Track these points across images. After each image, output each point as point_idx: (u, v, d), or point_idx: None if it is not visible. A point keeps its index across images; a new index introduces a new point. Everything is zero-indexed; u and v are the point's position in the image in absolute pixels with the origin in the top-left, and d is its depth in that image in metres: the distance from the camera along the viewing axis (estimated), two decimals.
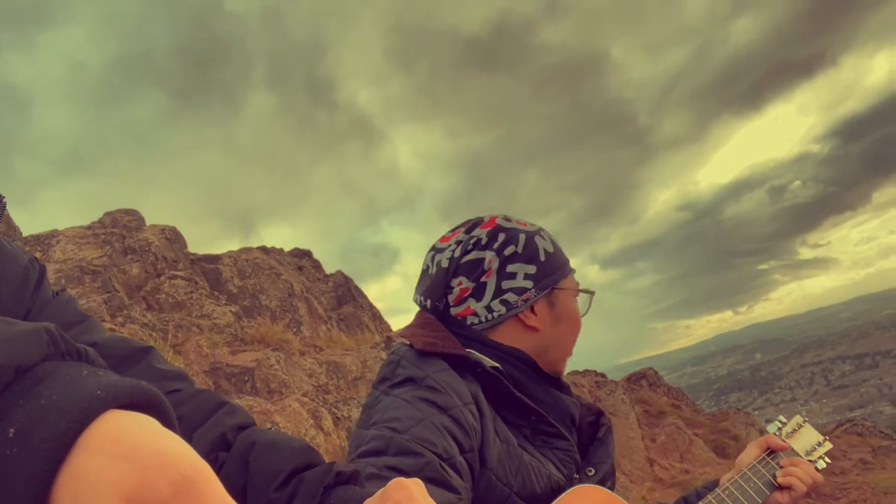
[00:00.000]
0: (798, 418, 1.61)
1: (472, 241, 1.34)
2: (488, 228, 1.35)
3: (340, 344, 7.21)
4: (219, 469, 0.85)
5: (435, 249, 1.38)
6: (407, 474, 1.06)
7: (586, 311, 1.43)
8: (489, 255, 1.32)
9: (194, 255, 7.85)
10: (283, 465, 0.84)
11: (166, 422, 0.59)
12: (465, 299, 1.33)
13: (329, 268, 10.20)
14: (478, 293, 1.32)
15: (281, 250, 9.37)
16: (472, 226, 1.37)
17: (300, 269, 9.34)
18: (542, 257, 1.35)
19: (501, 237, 1.34)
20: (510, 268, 1.32)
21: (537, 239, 1.36)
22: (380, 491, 0.71)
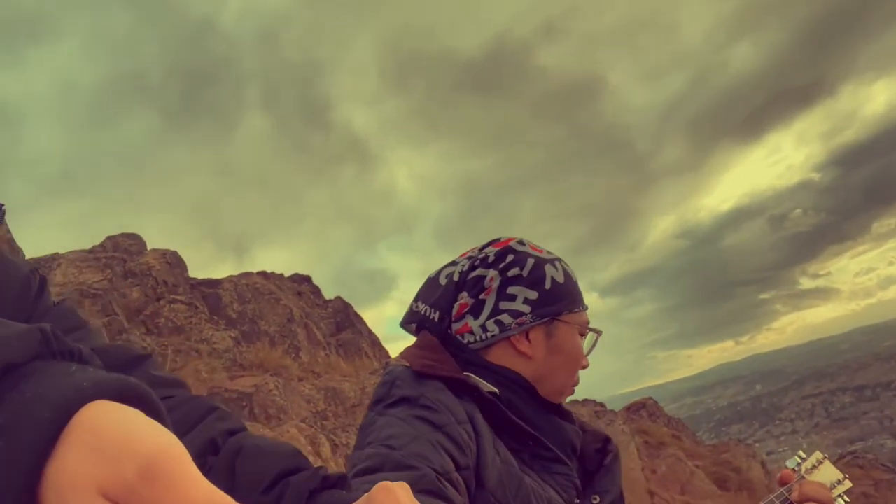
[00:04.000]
0: (818, 454, 1.57)
1: (480, 258, 1.34)
2: (499, 248, 1.35)
3: (339, 370, 7.18)
4: (207, 472, 0.86)
5: (452, 263, 1.39)
6: None
7: (590, 351, 1.40)
8: (492, 274, 1.32)
9: (194, 279, 7.85)
10: (270, 469, 0.84)
11: (156, 416, 0.59)
12: (464, 315, 1.33)
13: (326, 293, 10.20)
14: (475, 310, 1.32)
15: (281, 276, 9.37)
16: (487, 244, 1.38)
17: (299, 294, 9.33)
18: (548, 285, 1.33)
19: (509, 258, 1.33)
20: (511, 289, 1.31)
21: (547, 267, 1.35)
22: (365, 495, 0.71)
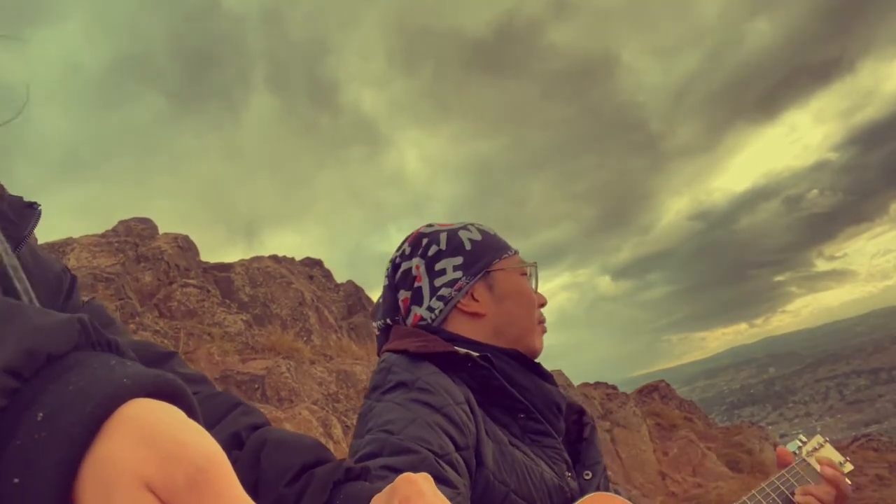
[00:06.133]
0: (819, 438, 1.59)
1: (399, 255, 1.43)
2: (412, 239, 1.43)
3: (350, 353, 7.22)
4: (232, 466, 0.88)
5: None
6: (403, 472, 1.06)
7: (536, 283, 1.45)
8: (415, 262, 1.39)
9: (206, 263, 7.90)
10: (294, 462, 0.85)
11: (190, 412, 0.60)
12: (410, 308, 1.39)
13: (337, 276, 10.24)
14: (417, 299, 1.39)
15: (292, 259, 9.41)
16: (401, 243, 1.45)
17: (311, 278, 9.37)
18: (468, 246, 1.39)
19: (424, 241, 1.41)
20: (438, 266, 1.38)
21: (461, 232, 1.42)
22: (388, 486, 0.71)
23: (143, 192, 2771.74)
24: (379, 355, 1.45)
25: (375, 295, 1.53)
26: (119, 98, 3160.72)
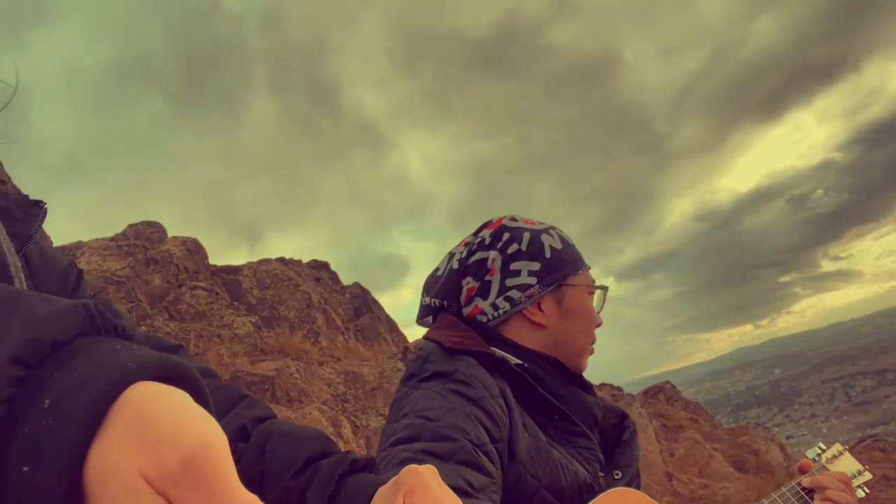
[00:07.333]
0: (838, 446, 1.59)
1: (477, 242, 1.39)
2: (493, 229, 1.40)
3: (358, 354, 7.25)
4: (237, 459, 0.83)
5: (449, 253, 1.44)
6: (441, 458, 1.08)
7: (601, 307, 1.44)
8: (492, 255, 1.36)
9: (215, 266, 7.96)
10: (299, 454, 0.85)
11: (199, 396, 0.58)
12: (473, 298, 1.37)
13: (343, 279, 10.29)
14: (483, 291, 1.36)
15: (299, 262, 9.46)
16: (480, 228, 1.43)
17: (318, 280, 9.42)
18: (548, 254, 1.37)
19: (505, 236, 1.38)
20: (514, 265, 1.35)
21: (543, 237, 1.39)
22: (393, 478, 0.71)
23: (144, 195, 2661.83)
24: (417, 322, 1.47)
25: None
26: (119, 100, 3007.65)
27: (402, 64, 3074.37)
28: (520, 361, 1.31)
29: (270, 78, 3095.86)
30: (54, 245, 6.92)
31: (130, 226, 7.76)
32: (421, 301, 1.47)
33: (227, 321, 6.42)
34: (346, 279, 10.34)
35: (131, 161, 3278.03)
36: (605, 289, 1.44)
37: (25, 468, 0.57)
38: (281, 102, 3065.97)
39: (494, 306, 1.35)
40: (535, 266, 1.35)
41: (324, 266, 10.11)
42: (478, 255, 1.38)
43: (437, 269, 1.45)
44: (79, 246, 6.92)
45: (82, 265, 6.48)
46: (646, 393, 14.20)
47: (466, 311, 1.38)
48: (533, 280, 1.35)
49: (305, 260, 9.96)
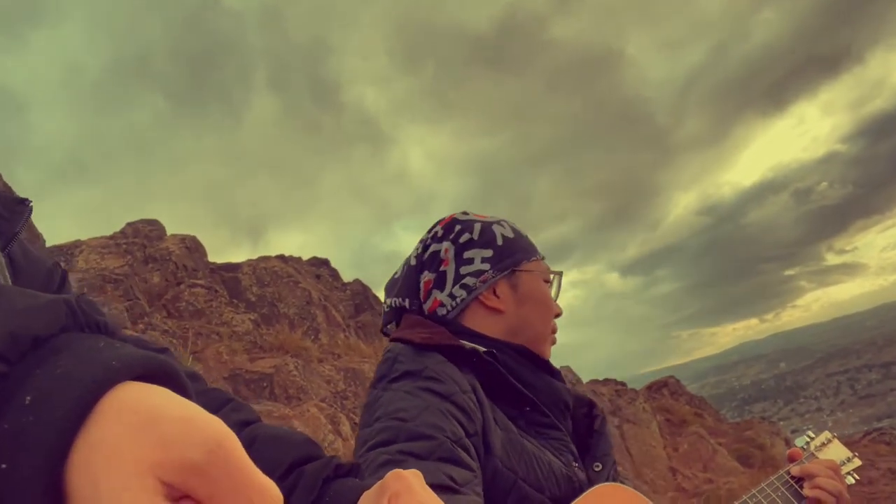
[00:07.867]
0: (827, 434, 1.60)
1: (430, 237, 1.43)
2: (445, 223, 1.44)
3: (358, 351, 7.23)
4: None
5: (406, 257, 1.48)
6: (420, 457, 1.06)
7: (557, 294, 1.46)
8: (445, 245, 1.40)
9: (214, 263, 7.93)
10: (284, 458, 0.84)
11: (183, 394, 0.59)
12: (431, 292, 1.40)
13: (343, 275, 10.27)
14: (440, 283, 1.39)
15: (299, 259, 9.43)
16: (433, 225, 1.46)
17: (318, 277, 9.39)
18: (500, 242, 1.40)
19: (457, 228, 1.42)
20: (467, 254, 1.39)
21: (495, 227, 1.42)
22: (378, 483, 0.71)
23: (145, 194, 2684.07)
24: (382, 331, 1.49)
25: (382, 294, 1.53)
26: (119, 99, 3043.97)
27: (403, 60, 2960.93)
28: (490, 350, 1.31)
29: (271, 76, 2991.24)
30: (52, 244, 6.90)
31: (129, 224, 7.74)
32: (383, 307, 1.50)
33: (226, 319, 6.39)
34: (348, 276, 10.33)
35: (132, 161, 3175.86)
36: (559, 274, 1.46)
37: (3, 465, 0.57)
38: (281, 100, 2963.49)
39: (451, 296, 1.38)
40: (488, 253, 1.39)
41: (324, 263, 10.09)
42: (432, 248, 1.42)
43: (395, 273, 1.50)
44: (77, 244, 6.90)
45: (80, 264, 6.46)
46: (650, 388, 14.15)
47: (427, 306, 1.40)
48: (486, 266, 1.38)
49: (306, 257, 9.95)
